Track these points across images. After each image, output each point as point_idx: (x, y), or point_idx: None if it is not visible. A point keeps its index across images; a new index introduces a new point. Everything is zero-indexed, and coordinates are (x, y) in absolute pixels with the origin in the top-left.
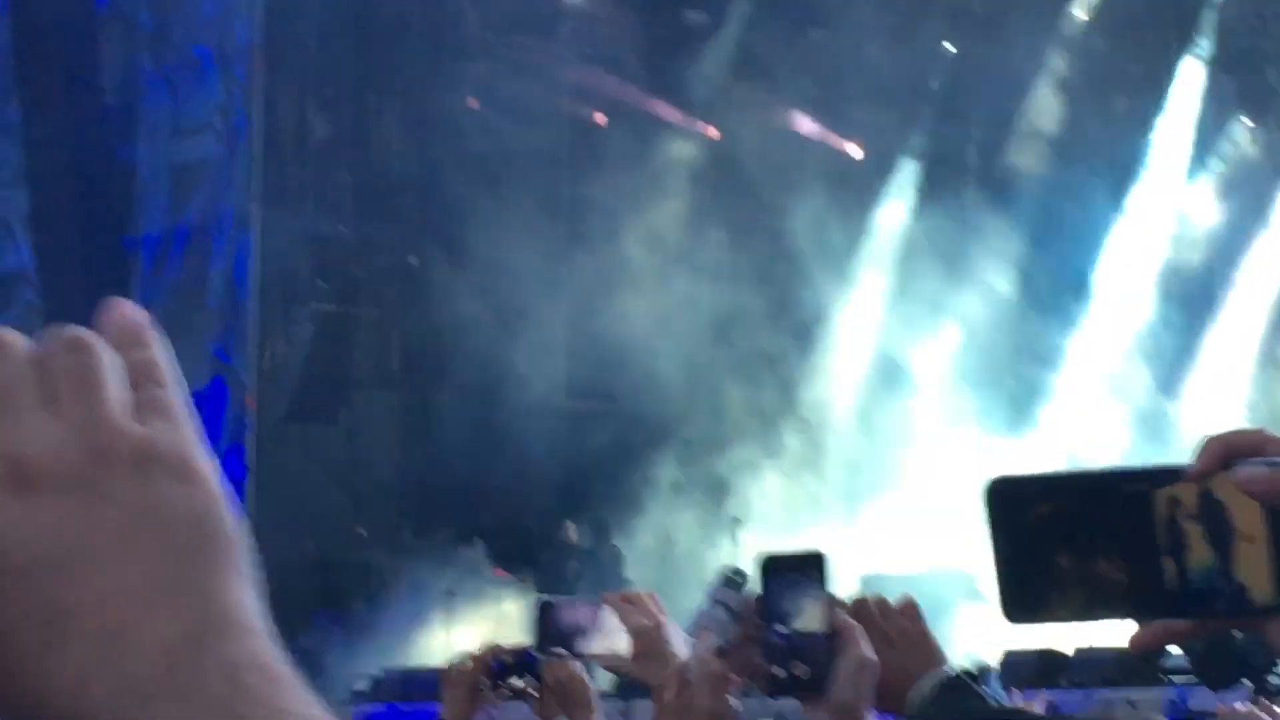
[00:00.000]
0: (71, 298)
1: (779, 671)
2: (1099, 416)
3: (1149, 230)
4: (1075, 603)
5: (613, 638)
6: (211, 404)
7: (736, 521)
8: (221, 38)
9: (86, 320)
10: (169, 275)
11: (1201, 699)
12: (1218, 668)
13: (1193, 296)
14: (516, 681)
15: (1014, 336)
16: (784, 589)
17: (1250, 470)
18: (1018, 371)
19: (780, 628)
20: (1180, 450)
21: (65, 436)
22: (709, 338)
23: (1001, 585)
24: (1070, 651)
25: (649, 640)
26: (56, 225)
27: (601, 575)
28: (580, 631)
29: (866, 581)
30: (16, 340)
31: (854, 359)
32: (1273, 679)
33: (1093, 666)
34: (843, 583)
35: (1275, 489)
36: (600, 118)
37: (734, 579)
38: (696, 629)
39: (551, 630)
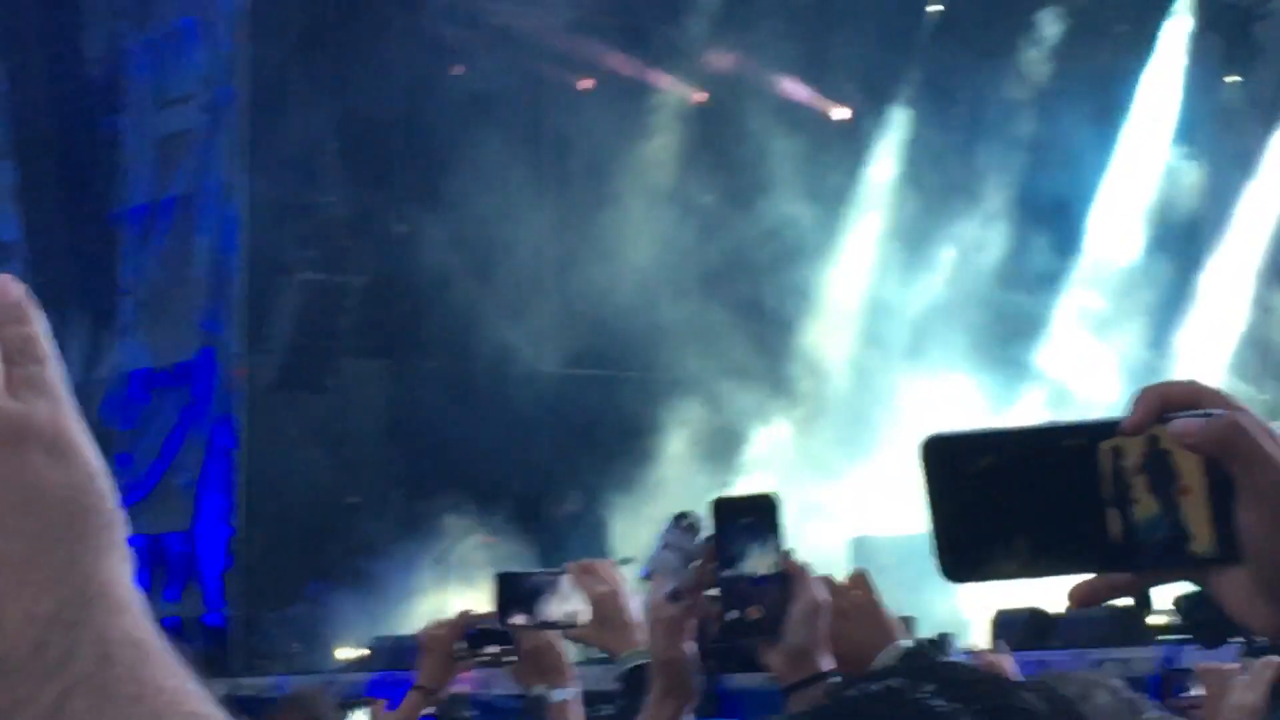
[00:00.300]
0: (59, 270)
1: (732, 615)
2: (1090, 362)
3: (1137, 180)
4: (1017, 560)
5: (573, 606)
6: (201, 374)
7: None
8: (206, 7)
9: (75, 290)
10: (156, 247)
11: (1193, 657)
12: (1208, 626)
13: (1181, 245)
14: (491, 648)
15: (1005, 281)
16: (736, 532)
17: (1185, 422)
18: (1010, 317)
19: (733, 571)
20: None
21: None
22: (698, 299)
23: (940, 544)
24: (1060, 610)
25: (608, 608)
26: (43, 197)
27: (589, 543)
28: (541, 600)
29: (856, 544)
30: None
31: (847, 311)
32: (1261, 637)
33: (1083, 626)
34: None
35: (1210, 440)
36: (587, 83)
37: (686, 523)
38: (649, 573)
39: (513, 600)
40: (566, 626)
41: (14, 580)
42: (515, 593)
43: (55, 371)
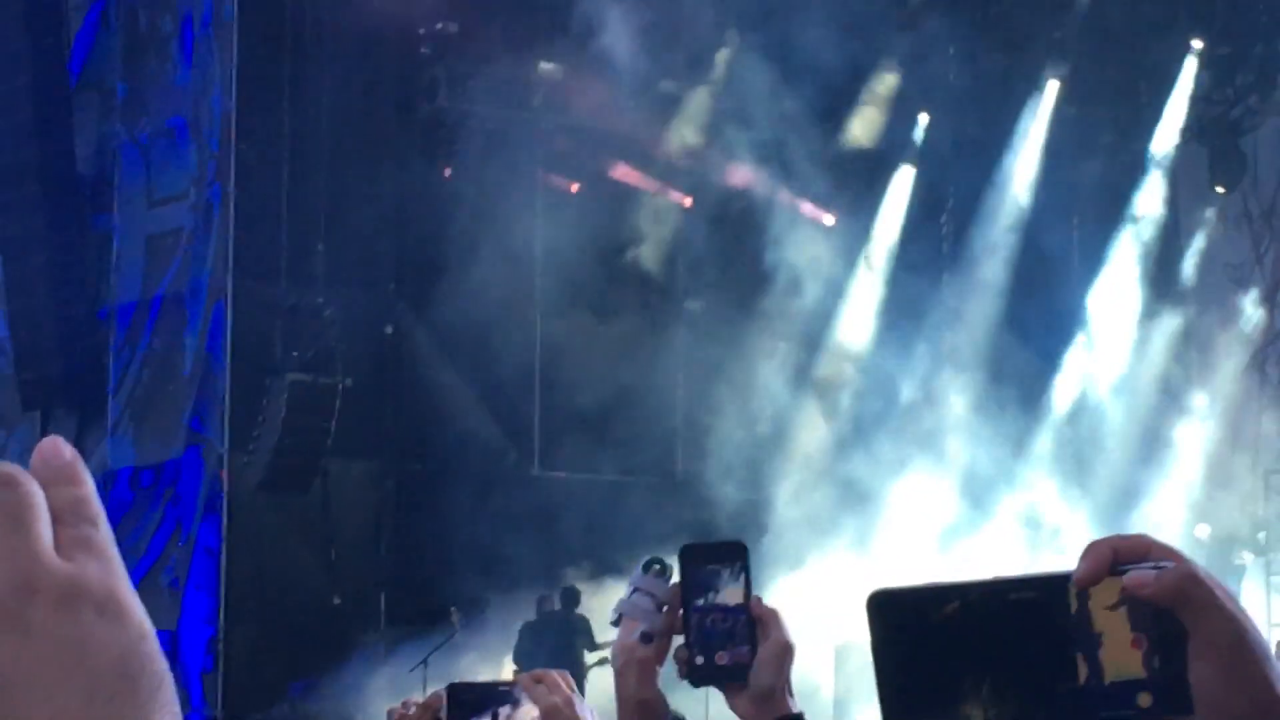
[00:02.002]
0: (46, 367)
1: (699, 659)
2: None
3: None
4: (961, 714)
5: (525, 717)
6: (186, 474)
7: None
8: (196, 108)
9: (62, 388)
10: (143, 345)
11: None
12: None
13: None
14: None
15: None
16: (704, 578)
17: (1140, 574)
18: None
19: (700, 616)
20: None
21: None
22: (686, 399)
23: (886, 698)
24: None
25: (559, 718)
26: (31, 295)
27: (572, 646)
28: (491, 712)
29: (839, 651)
30: None
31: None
32: None
33: None
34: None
35: (1165, 591)
36: (575, 186)
37: (657, 568)
38: (620, 617)
39: (463, 713)
40: None
41: None
42: (465, 706)
43: (106, 533)
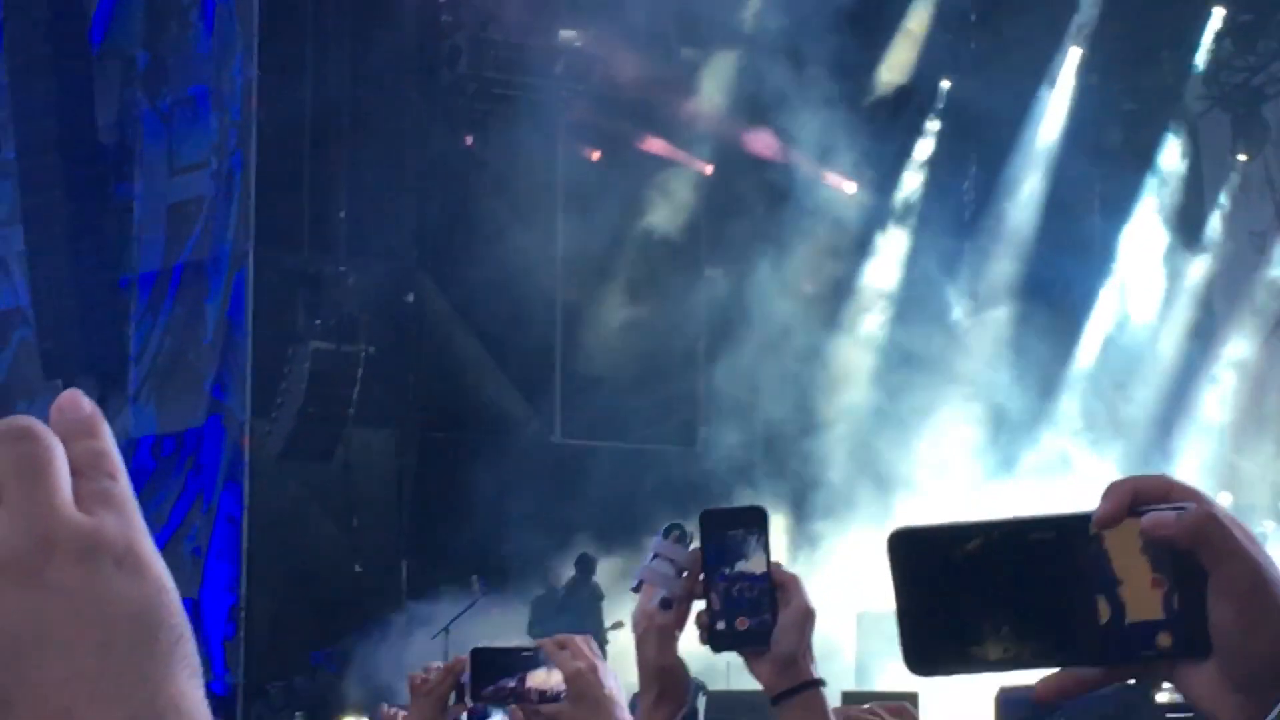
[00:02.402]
0: (68, 336)
1: (720, 625)
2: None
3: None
4: (991, 652)
5: (548, 682)
6: (208, 442)
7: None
8: (217, 76)
9: (84, 356)
10: (165, 314)
11: None
12: None
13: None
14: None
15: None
16: (725, 544)
17: (1159, 515)
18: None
19: (721, 582)
20: None
21: (10, 526)
22: (705, 367)
23: (906, 637)
24: None
25: (583, 683)
26: (53, 263)
27: (591, 613)
28: (516, 676)
29: (860, 619)
30: None
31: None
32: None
33: (1088, 703)
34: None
35: (1184, 533)
36: (595, 154)
37: (677, 533)
38: (640, 584)
39: (487, 676)
40: (541, 702)
41: (84, 695)
42: (490, 668)
43: (125, 486)
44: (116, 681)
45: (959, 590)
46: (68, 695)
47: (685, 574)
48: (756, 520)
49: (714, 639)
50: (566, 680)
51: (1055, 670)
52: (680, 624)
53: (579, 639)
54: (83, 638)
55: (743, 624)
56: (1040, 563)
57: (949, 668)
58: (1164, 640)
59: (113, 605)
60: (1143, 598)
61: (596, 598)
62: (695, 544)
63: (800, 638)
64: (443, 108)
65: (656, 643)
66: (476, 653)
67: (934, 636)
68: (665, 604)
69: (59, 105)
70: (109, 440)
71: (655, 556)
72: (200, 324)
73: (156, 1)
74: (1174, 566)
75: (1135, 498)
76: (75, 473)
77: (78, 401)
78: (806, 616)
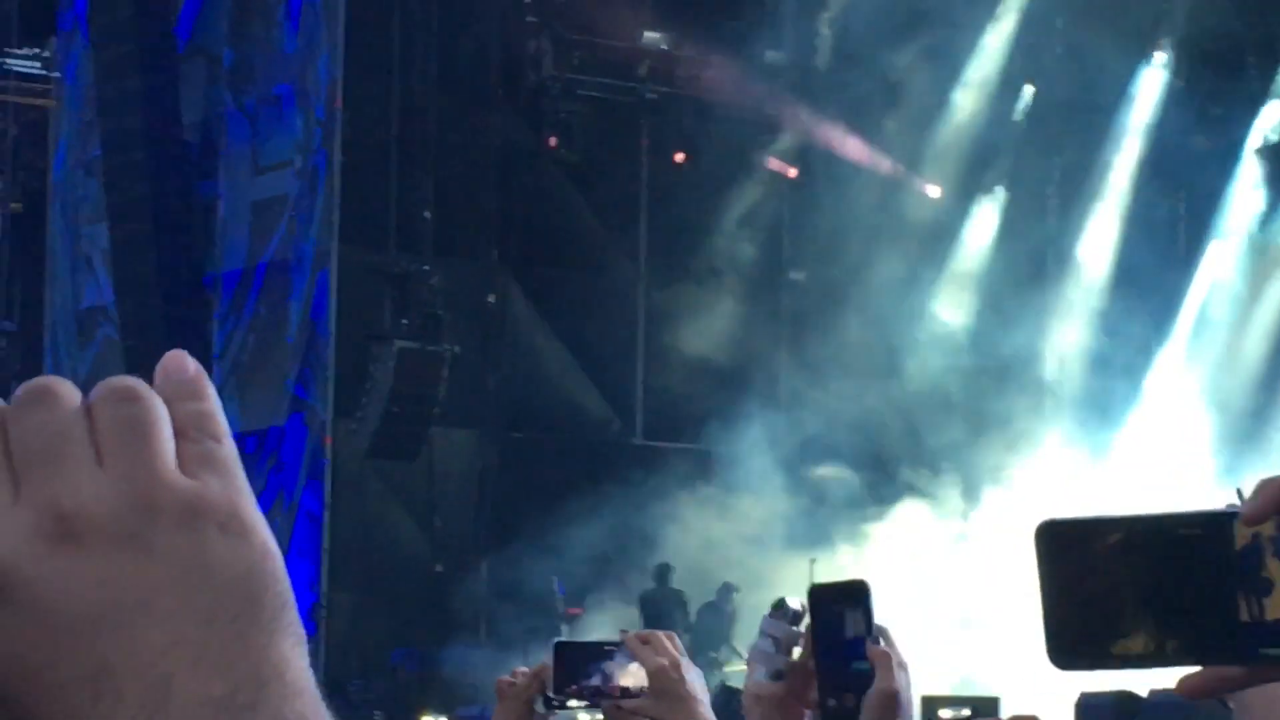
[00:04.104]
0: (151, 333)
1: (831, 702)
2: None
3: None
4: (1120, 649)
5: (630, 678)
6: (291, 440)
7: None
8: (303, 76)
9: (163, 354)
10: (248, 311)
11: None
12: None
13: None
14: (572, 701)
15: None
16: (831, 620)
17: None
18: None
19: (827, 659)
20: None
21: (113, 489)
22: (788, 372)
23: (1049, 630)
24: (1145, 694)
25: (665, 680)
26: (136, 261)
27: (670, 615)
28: (598, 671)
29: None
30: (65, 390)
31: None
32: None
33: (1170, 710)
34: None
35: None
36: (680, 156)
37: (782, 610)
38: (749, 663)
39: (569, 671)
40: (623, 698)
41: (187, 662)
42: (572, 663)
43: (230, 449)
44: (220, 649)
45: (1102, 582)
46: (169, 662)
47: (788, 651)
48: (859, 594)
49: (825, 716)
50: (649, 676)
51: (1197, 669)
52: (794, 698)
53: (662, 634)
54: (186, 605)
55: (849, 700)
56: (1184, 558)
57: (1089, 662)
58: None
59: (216, 571)
60: None
61: (677, 604)
62: (805, 619)
63: (883, 717)
64: (527, 108)
65: (761, 715)
66: (560, 646)
67: (1077, 628)
68: (776, 675)
69: (145, 103)
70: (214, 402)
71: (761, 634)
72: (283, 322)
73: (243, 0)
74: None
75: None
76: (179, 435)
77: (183, 363)
78: (887, 701)
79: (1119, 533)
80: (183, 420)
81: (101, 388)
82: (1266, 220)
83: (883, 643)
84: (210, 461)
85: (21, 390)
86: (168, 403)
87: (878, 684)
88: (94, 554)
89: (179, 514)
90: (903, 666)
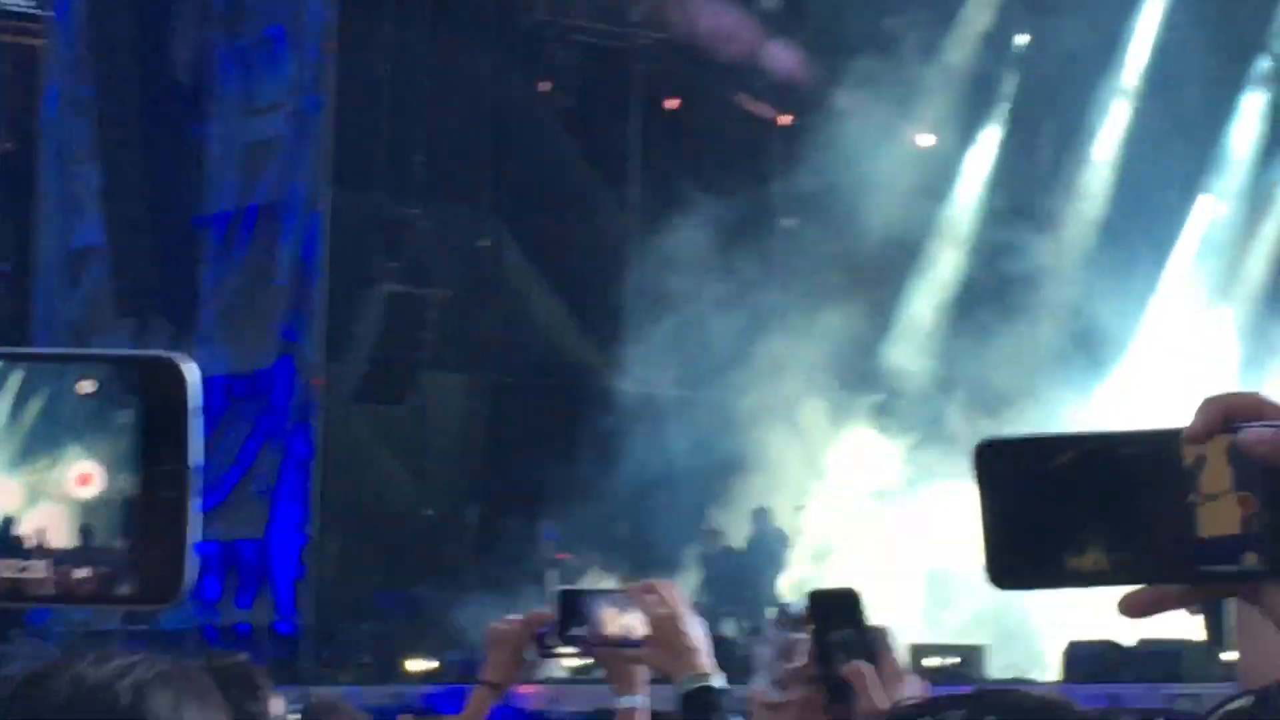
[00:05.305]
0: (141, 274)
1: (833, 709)
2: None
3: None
4: (1068, 568)
5: (633, 626)
6: (279, 383)
7: (798, 509)
8: (295, 18)
9: (156, 295)
10: (238, 253)
11: None
12: None
13: None
14: (562, 648)
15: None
16: (826, 628)
17: (1257, 432)
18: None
19: (826, 666)
20: None
21: None
22: (778, 320)
23: (990, 551)
24: (1134, 643)
25: (667, 629)
26: (127, 202)
27: (658, 563)
28: (601, 619)
29: (930, 576)
30: None
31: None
32: None
33: (1155, 659)
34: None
35: (1277, 451)
36: (673, 102)
37: (782, 617)
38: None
39: (573, 618)
40: (625, 646)
41: None
42: (576, 610)
43: None
44: None
45: (1048, 503)
46: None
47: (786, 659)
48: (849, 603)
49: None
50: (651, 625)
51: (1139, 588)
52: (803, 705)
53: (665, 584)
54: None
55: (839, 710)
56: (1131, 477)
57: (1033, 582)
58: (1250, 558)
59: None
60: (1230, 515)
61: (783, 543)
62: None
63: None
64: (521, 53)
65: (761, 718)
66: (564, 594)
67: (1019, 551)
68: (774, 685)
69: (136, 43)
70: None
71: (765, 641)
72: (273, 265)
73: None
74: (1264, 485)
75: (1228, 413)
76: None
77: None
78: (865, 716)
79: (1065, 451)
80: None
81: None
82: (1262, 169)
83: (882, 648)
84: None
85: None
86: None
87: (860, 704)
88: None
89: None
90: (899, 676)
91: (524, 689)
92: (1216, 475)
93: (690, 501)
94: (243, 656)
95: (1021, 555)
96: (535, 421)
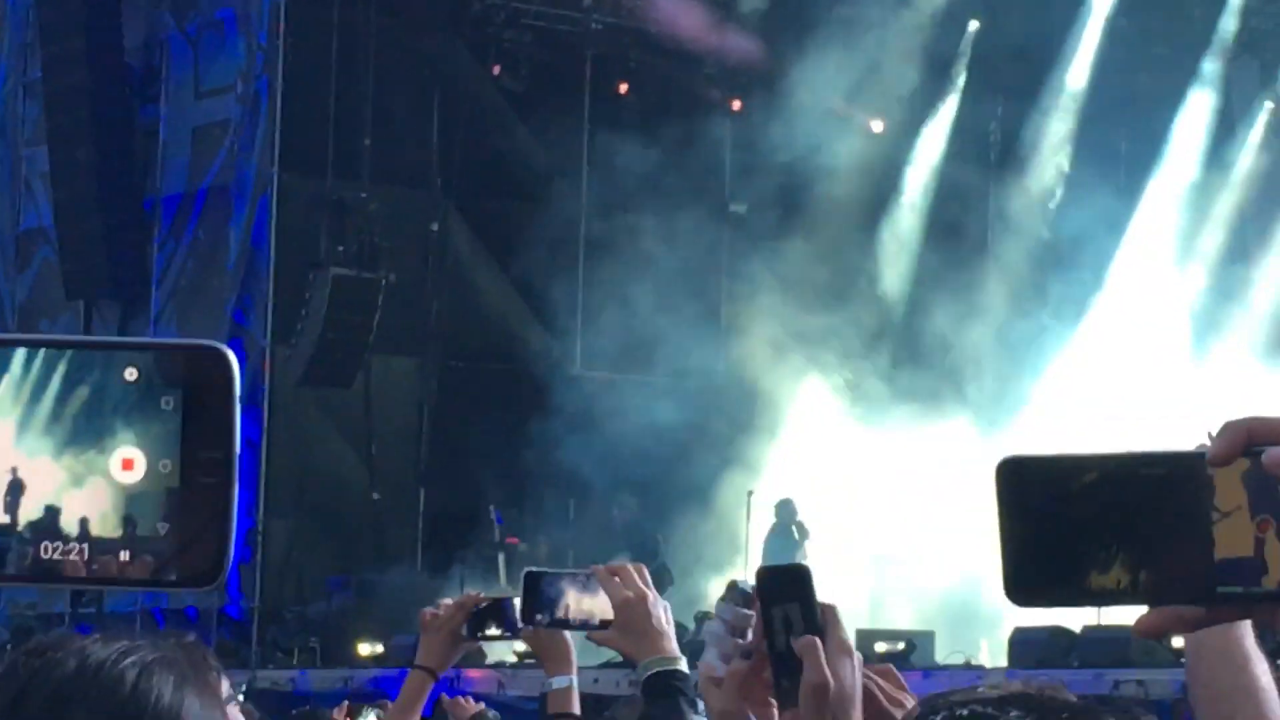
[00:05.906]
0: (90, 256)
1: (785, 683)
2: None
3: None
4: (1087, 586)
5: (598, 608)
6: None
7: (750, 494)
8: (245, 1)
9: (106, 277)
10: (187, 237)
11: None
12: None
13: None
14: (493, 629)
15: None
16: (774, 604)
17: (1278, 454)
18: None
19: (772, 643)
20: None
21: None
22: (730, 300)
23: (1010, 568)
24: (1078, 629)
25: (633, 613)
26: (76, 184)
27: (614, 545)
28: (566, 601)
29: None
30: None
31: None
32: None
33: (1102, 646)
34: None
35: None
36: (623, 87)
37: (732, 594)
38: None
39: (538, 600)
40: (589, 628)
41: None
42: (541, 592)
43: None
44: None
45: (1069, 523)
46: None
47: (737, 634)
48: (799, 579)
49: (779, 696)
50: (616, 609)
51: (1154, 610)
52: (751, 679)
53: (631, 567)
54: None
55: (787, 684)
56: (1155, 497)
57: (1052, 600)
58: (1270, 581)
59: None
60: (1245, 537)
61: (804, 536)
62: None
63: (814, 711)
64: (471, 36)
65: (711, 694)
66: (530, 576)
67: (1039, 568)
68: (725, 659)
69: (86, 26)
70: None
71: (716, 618)
72: (223, 248)
73: None
74: None
75: (1250, 437)
76: None
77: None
78: (816, 692)
79: (1092, 472)
80: None
81: None
82: (1210, 158)
83: (829, 624)
84: None
85: None
86: None
87: (805, 676)
88: None
89: None
90: (846, 652)
91: (472, 673)
92: (1235, 498)
93: (638, 484)
94: (191, 638)
95: (1041, 573)
96: (483, 405)
